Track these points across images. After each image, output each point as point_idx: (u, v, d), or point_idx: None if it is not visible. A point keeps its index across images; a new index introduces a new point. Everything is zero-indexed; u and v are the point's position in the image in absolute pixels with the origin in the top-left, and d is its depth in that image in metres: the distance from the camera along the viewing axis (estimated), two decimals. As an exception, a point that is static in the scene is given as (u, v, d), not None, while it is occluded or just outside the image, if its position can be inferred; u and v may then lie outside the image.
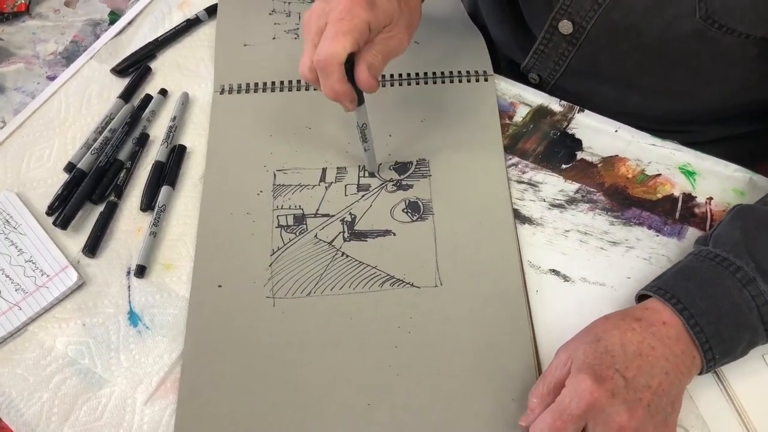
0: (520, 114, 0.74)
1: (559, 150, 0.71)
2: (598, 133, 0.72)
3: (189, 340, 0.61)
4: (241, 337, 0.61)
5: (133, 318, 0.63)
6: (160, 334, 0.62)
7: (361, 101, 0.59)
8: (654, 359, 0.51)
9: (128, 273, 0.66)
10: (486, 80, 0.76)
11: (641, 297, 0.58)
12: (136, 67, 0.79)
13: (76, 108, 0.76)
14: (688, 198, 0.68)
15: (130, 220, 0.69)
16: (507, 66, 0.83)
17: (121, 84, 0.78)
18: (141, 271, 0.65)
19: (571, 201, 0.68)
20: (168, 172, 0.71)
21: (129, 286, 0.65)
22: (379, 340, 0.61)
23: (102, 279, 0.65)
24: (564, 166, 0.70)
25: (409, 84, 0.76)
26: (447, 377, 0.59)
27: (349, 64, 0.55)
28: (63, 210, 0.68)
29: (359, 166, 0.71)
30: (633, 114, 0.73)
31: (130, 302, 0.64)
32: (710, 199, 0.67)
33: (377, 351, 0.60)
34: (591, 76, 0.72)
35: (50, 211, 0.68)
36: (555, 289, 0.63)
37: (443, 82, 0.76)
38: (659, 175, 0.69)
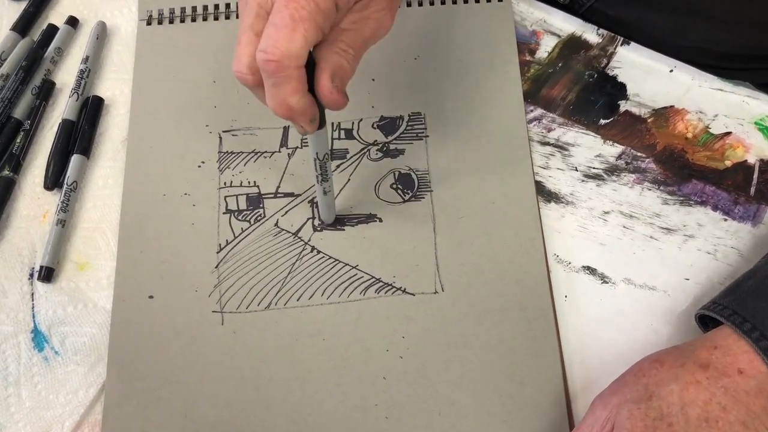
0: (545, 47, 0.57)
1: (596, 98, 0.55)
2: (648, 75, 0.55)
3: (112, 371, 0.47)
4: (179, 366, 0.47)
5: (39, 339, 0.48)
6: (74, 361, 0.48)
7: (322, 122, 0.40)
8: (726, 425, 0.38)
9: (31, 276, 0.50)
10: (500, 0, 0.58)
11: (704, 316, 0.44)
12: (35, -15, 0.60)
13: (-45, 44, 0.58)
14: (767, 166, 0.52)
15: (32, 202, 0.53)
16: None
17: (15, 9, 0.60)
18: (48, 274, 0.50)
19: (612, 170, 0.52)
20: (80, 135, 0.54)
21: (32, 294, 0.50)
22: (361, 370, 0.46)
23: (-4, 284, 0.50)
24: (603, 122, 0.54)
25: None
26: (452, 419, 0.45)
27: (309, 65, 0.36)
28: (-59, 190, 0.52)
29: (333, 123, 0.54)
30: (693, 49, 0.57)
31: (34, 317, 0.49)
32: (796, 167, 0.52)
33: (359, 384, 0.46)
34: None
35: None
36: (589, 293, 0.49)
37: (443, 3, 0.58)
38: (728, 133, 0.53)
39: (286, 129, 0.54)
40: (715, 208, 0.51)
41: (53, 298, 0.50)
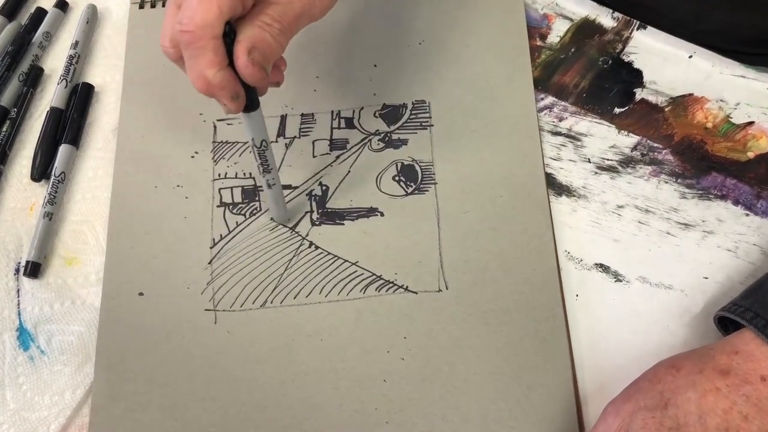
0: (557, 32, 0.54)
1: (610, 86, 0.52)
2: (666, 61, 0.53)
3: (100, 372, 0.45)
4: (170, 366, 0.45)
5: (24, 337, 0.47)
6: (61, 361, 0.46)
7: (254, 104, 0.38)
8: None
9: (17, 271, 0.49)
10: (509, -18, 0.55)
11: (723, 318, 0.42)
12: (22, -34, 0.59)
13: (-60, 28, 0.56)
14: (792, 158, 0.49)
15: (19, 194, 0.52)
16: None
17: (2, -8, 0.58)
18: (34, 270, 0.48)
19: (627, 162, 0.50)
20: (69, 123, 0.53)
21: (18, 290, 0.48)
22: (361, 372, 0.44)
23: (-19, 280, 0.48)
24: (617, 111, 0.52)
25: (401, -11, 0.55)
26: (455, 424, 0.43)
27: (231, 38, 0.36)
28: (-76, 181, 0.50)
29: (332, 111, 0.52)
30: (713, 34, 0.54)
31: (19, 314, 0.47)
32: (823, 160, 0.49)
33: (359, 387, 0.44)
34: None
35: None
36: (602, 292, 0.47)
37: (449, -16, 0.55)
38: (751, 123, 0.50)
39: (283, 118, 0.52)
40: (736, 202, 0.48)
41: (40, 295, 0.48)
